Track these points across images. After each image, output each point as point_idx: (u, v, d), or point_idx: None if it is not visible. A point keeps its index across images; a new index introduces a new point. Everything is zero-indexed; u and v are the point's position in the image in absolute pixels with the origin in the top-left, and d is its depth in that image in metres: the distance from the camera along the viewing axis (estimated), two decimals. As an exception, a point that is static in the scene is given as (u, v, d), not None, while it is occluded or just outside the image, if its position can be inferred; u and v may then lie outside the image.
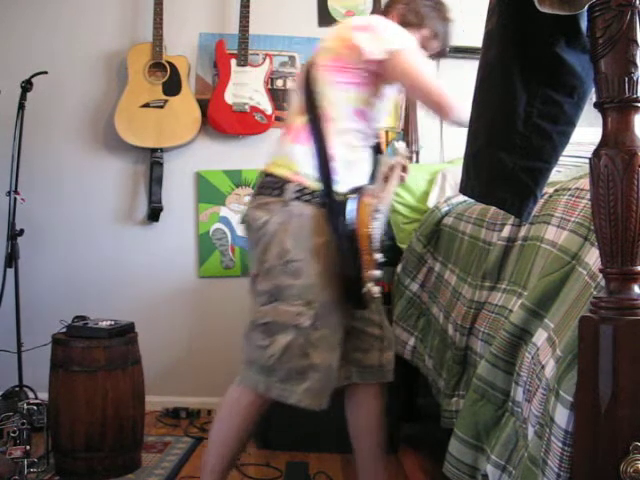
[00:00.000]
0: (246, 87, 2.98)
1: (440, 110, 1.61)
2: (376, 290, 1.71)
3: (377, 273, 1.68)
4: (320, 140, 1.61)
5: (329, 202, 1.59)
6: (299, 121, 1.65)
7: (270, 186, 1.64)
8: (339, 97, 1.62)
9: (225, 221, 3.10)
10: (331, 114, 1.62)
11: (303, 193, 1.60)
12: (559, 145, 1.10)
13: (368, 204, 1.63)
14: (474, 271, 1.77)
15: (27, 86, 2.76)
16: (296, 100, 1.71)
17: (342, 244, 1.57)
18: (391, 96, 1.75)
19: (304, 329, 1.58)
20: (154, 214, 3.05)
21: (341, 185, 1.62)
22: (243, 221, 1.73)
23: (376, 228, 1.66)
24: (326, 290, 1.59)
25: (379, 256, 1.68)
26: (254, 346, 1.64)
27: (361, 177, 1.70)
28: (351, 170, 1.66)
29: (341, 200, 1.59)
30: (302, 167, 1.61)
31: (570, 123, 1.10)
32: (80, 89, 3.10)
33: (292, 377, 1.59)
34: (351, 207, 1.58)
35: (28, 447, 2.13)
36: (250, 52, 2.99)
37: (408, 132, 3.02)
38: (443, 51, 1.81)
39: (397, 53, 1.59)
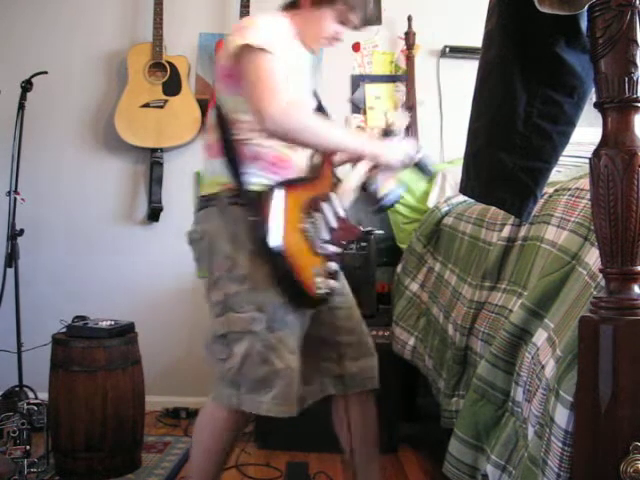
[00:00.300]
0: (246, 87, 2.98)
1: (257, 118, 1.49)
2: (331, 285, 1.61)
3: (328, 266, 1.59)
4: (229, 147, 1.58)
5: (243, 202, 1.54)
6: (214, 136, 1.62)
7: (206, 200, 1.62)
8: (237, 100, 1.57)
9: (225, 221, 3.10)
10: (238, 118, 1.57)
11: (239, 197, 1.55)
12: (559, 145, 1.10)
13: (297, 197, 1.56)
14: (474, 271, 1.76)
15: (27, 86, 2.76)
16: (209, 116, 1.67)
17: (257, 243, 1.50)
18: (308, 83, 1.66)
19: (259, 334, 1.54)
20: (154, 214, 3.05)
21: (264, 182, 1.56)
22: (189, 241, 1.68)
23: (317, 221, 1.58)
24: (274, 291, 1.54)
25: (330, 248, 1.60)
26: (216, 360, 1.62)
27: (292, 170, 1.62)
28: (278, 166, 1.60)
29: (253, 198, 1.52)
30: (228, 177, 1.57)
31: (570, 123, 1.10)
32: (80, 89, 3.10)
33: (258, 386, 1.55)
34: (266, 203, 1.50)
35: (28, 447, 2.13)
36: (250, 52, 2.99)
37: (408, 132, 3.02)
38: (366, 21, 1.68)
39: (247, 52, 1.51)
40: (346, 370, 1.70)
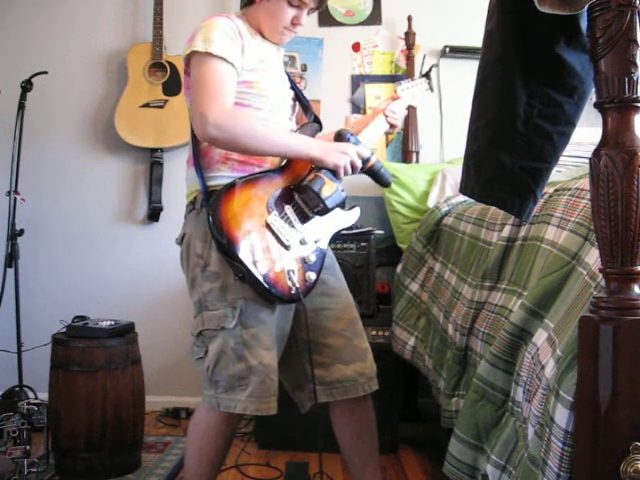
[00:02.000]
0: (246, 87, 2.98)
1: (198, 123, 1.49)
2: (310, 277, 1.58)
3: (303, 260, 1.58)
4: (197, 154, 1.60)
5: (204, 201, 1.55)
6: (190, 147, 1.65)
7: (187, 207, 1.66)
8: None
9: (225, 221, 3.10)
10: None
11: (208, 200, 1.56)
12: (559, 145, 1.10)
13: (260, 191, 1.55)
14: (474, 271, 1.76)
15: (27, 86, 2.76)
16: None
17: (216, 241, 1.50)
18: (270, 85, 1.64)
19: (231, 330, 1.54)
20: (154, 214, 3.05)
21: (225, 182, 1.55)
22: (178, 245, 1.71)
23: (288, 214, 1.57)
24: (246, 287, 1.53)
25: (296, 237, 1.57)
26: (196, 360, 1.62)
27: (265, 164, 1.61)
28: (248, 163, 1.59)
29: (212, 198, 1.52)
30: (199, 183, 1.59)
31: (570, 123, 1.10)
32: (80, 89, 3.10)
33: (234, 385, 1.55)
34: (219, 199, 1.50)
35: (28, 447, 2.13)
36: (250, 52, 2.99)
37: (408, 132, 3.02)
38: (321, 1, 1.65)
39: (194, 59, 1.52)
40: (339, 375, 1.66)
